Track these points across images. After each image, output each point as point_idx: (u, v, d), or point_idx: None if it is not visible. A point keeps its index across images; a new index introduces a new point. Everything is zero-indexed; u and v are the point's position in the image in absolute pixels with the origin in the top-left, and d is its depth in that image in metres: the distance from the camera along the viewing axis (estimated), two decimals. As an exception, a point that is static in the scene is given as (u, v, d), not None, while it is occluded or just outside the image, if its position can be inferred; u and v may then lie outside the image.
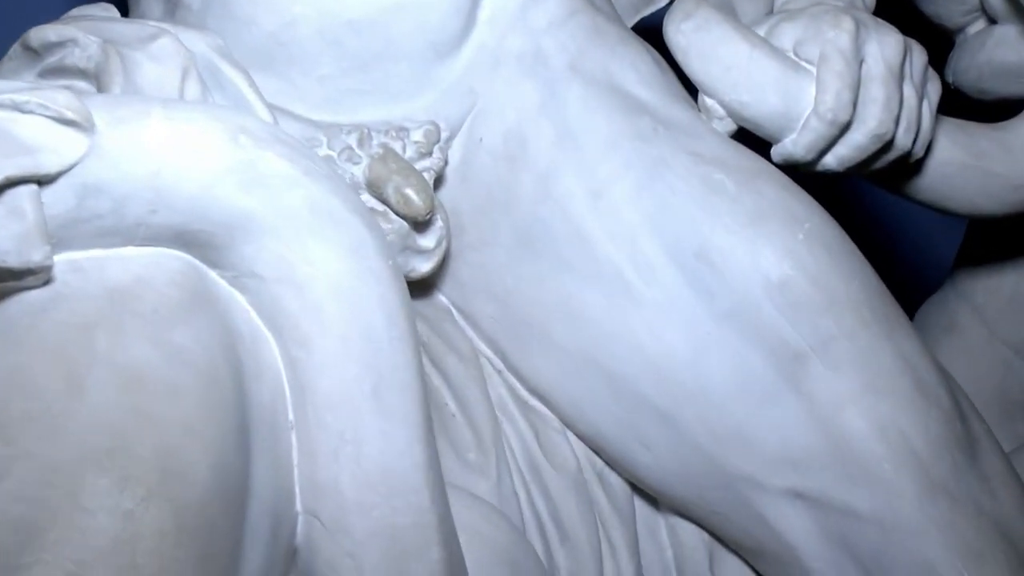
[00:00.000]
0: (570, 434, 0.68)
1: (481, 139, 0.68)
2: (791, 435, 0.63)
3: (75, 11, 0.63)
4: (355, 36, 0.65)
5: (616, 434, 0.66)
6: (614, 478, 0.68)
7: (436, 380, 0.67)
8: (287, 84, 0.65)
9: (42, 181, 0.46)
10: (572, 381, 0.66)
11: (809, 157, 0.68)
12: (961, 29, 0.84)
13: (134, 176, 0.48)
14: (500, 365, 0.69)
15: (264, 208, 0.50)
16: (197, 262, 0.51)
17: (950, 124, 0.75)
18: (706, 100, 0.69)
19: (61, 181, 0.47)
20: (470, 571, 0.56)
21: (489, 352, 0.69)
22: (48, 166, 0.46)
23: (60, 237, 0.47)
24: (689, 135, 0.66)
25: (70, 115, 0.47)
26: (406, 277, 0.65)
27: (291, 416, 0.52)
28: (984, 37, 0.81)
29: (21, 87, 0.47)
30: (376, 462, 0.51)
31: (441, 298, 0.70)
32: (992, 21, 0.82)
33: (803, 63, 0.67)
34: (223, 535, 0.44)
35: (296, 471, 0.52)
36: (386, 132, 0.66)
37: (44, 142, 0.46)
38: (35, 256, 0.46)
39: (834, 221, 0.67)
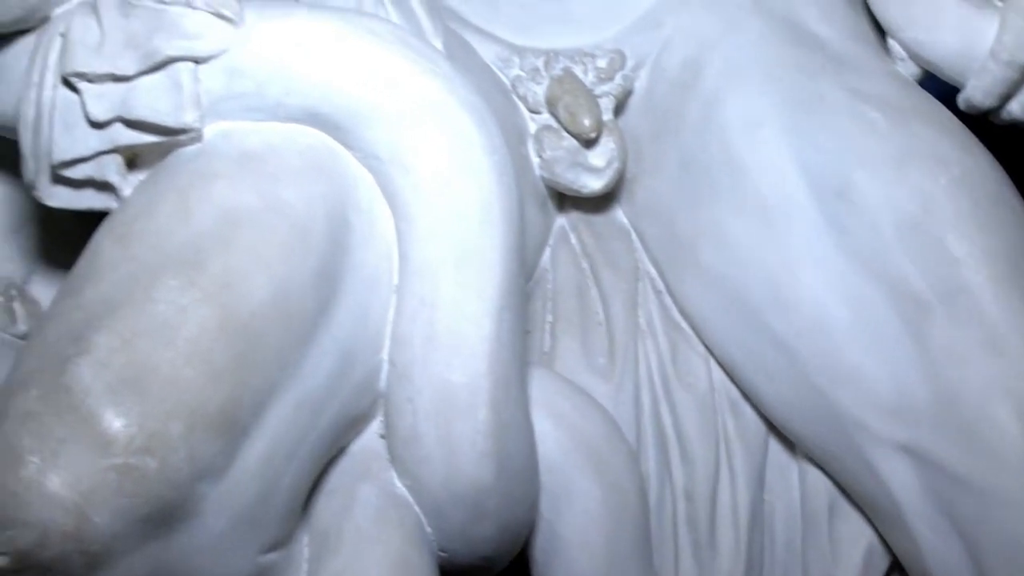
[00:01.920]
0: (712, 361, 0.70)
1: (664, 69, 0.72)
2: (905, 385, 0.62)
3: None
4: None
5: (744, 361, 0.68)
6: (748, 409, 0.70)
7: (593, 291, 0.72)
8: (492, 10, 0.73)
9: (198, 61, 0.58)
10: (712, 305, 0.69)
11: (988, 103, 0.65)
12: None
13: (271, 63, 0.59)
14: (660, 286, 0.72)
15: (380, 99, 0.59)
16: (332, 141, 0.61)
17: None
18: (891, 40, 0.68)
19: (214, 63, 0.58)
20: (546, 449, 0.62)
21: (653, 272, 0.73)
22: (202, 50, 0.58)
23: (215, 109, 0.59)
24: (857, 72, 0.66)
25: (225, 12, 0.59)
26: (578, 192, 0.71)
27: (395, 280, 0.60)
28: None
29: (194, -10, 0.60)
30: (445, 325, 0.58)
31: (621, 217, 0.75)
32: None
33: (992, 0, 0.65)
34: (268, 345, 0.53)
35: (389, 326, 0.60)
36: (572, 57, 0.72)
37: (202, 31, 0.58)
38: (187, 118, 0.58)
39: (997, 170, 0.64)
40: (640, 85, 0.73)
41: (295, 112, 0.60)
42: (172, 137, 0.59)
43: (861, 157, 0.64)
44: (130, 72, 0.58)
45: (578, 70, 0.72)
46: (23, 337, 0.68)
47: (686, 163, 0.70)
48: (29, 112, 0.59)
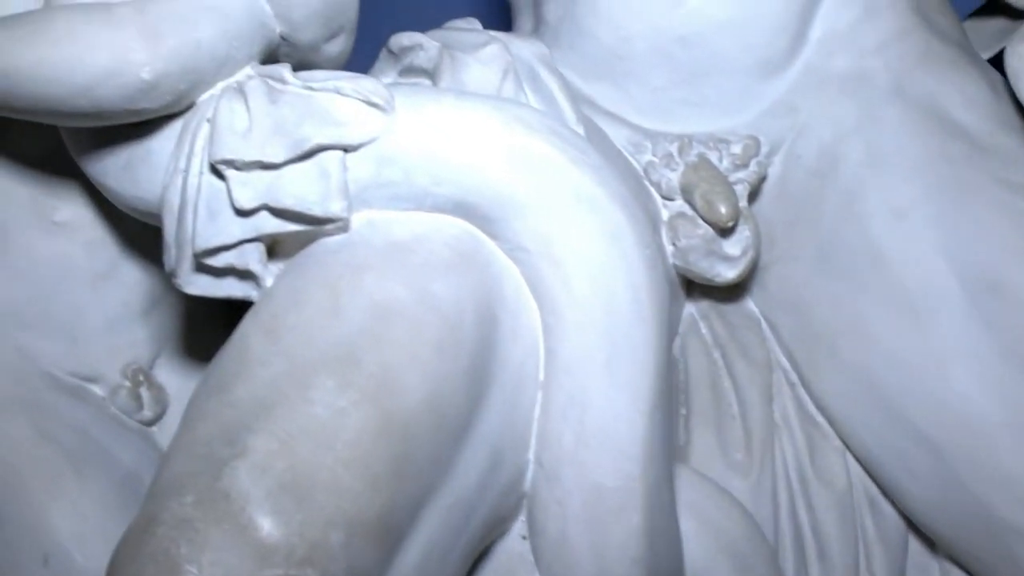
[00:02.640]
0: (849, 456, 0.68)
1: (800, 156, 0.70)
2: None
3: (447, 24, 0.74)
4: (685, 51, 0.70)
5: (885, 458, 0.66)
6: (887, 508, 0.67)
7: (726, 382, 0.70)
8: (622, 93, 0.72)
9: (347, 149, 0.57)
10: (851, 399, 0.67)
11: None
12: None
13: (421, 152, 0.57)
14: (794, 378, 0.70)
15: (530, 189, 0.58)
16: (478, 231, 0.59)
17: None
18: (1038, 128, 0.66)
19: (363, 151, 0.57)
20: (691, 552, 0.59)
21: (786, 364, 0.71)
22: (353, 138, 0.57)
23: (361, 198, 0.58)
24: (1004, 161, 0.64)
25: (376, 99, 0.57)
26: (711, 281, 0.70)
27: (541, 375, 0.58)
28: None
29: (344, 76, 0.59)
30: (597, 425, 0.56)
31: (751, 306, 0.73)
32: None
33: None
34: (423, 448, 0.51)
35: (535, 424, 0.58)
36: (706, 143, 0.70)
37: (352, 119, 0.57)
38: (334, 208, 0.57)
39: None
40: (773, 171, 0.71)
41: (442, 202, 0.58)
42: (318, 226, 0.58)
43: (1014, 250, 0.62)
44: (278, 160, 0.56)
45: (713, 156, 0.70)
46: (149, 423, 0.67)
47: (824, 253, 0.68)
48: (174, 199, 0.58)
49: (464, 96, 0.59)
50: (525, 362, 0.58)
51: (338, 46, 0.66)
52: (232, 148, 0.57)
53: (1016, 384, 0.61)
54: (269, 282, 0.58)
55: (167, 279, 0.70)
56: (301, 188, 0.57)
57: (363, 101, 0.57)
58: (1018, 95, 0.67)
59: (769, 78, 0.70)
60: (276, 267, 0.59)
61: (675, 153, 0.70)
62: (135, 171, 0.60)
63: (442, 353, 0.54)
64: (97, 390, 0.67)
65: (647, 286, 0.58)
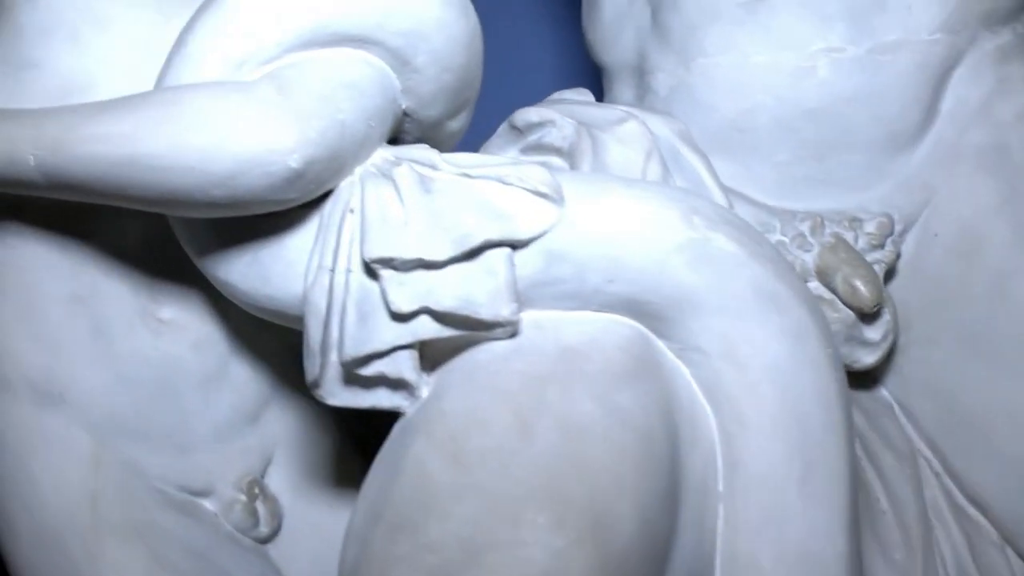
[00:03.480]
0: (1009, 550, 0.64)
1: (936, 234, 0.67)
2: None
3: (555, 95, 0.69)
4: (812, 125, 0.66)
5: (1056, 557, 0.62)
6: (1056, 604, 0.64)
7: (869, 474, 0.66)
8: (743, 168, 0.68)
9: (515, 245, 0.52)
10: (1009, 489, 0.63)
11: None
12: None
13: (594, 247, 0.52)
14: (938, 467, 0.67)
15: (710, 287, 0.53)
16: (646, 331, 0.54)
17: None
18: None
19: (532, 246, 0.52)
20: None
21: (928, 452, 0.67)
22: (522, 232, 0.51)
23: (526, 296, 0.52)
24: None
25: (544, 189, 0.52)
26: (849, 368, 0.65)
27: (720, 487, 0.53)
28: None
29: (503, 162, 0.53)
30: (797, 544, 0.51)
31: (884, 392, 0.69)
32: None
33: None
34: (640, 583, 0.46)
35: (719, 540, 0.53)
36: (839, 222, 0.67)
37: (520, 211, 0.51)
38: (504, 311, 0.51)
39: None
40: (906, 249, 0.67)
41: (612, 300, 0.53)
42: (484, 331, 0.52)
43: None
44: (442, 257, 0.50)
45: (849, 236, 0.66)
46: (264, 541, 0.60)
47: (972, 336, 0.65)
48: (320, 301, 0.51)
49: (633, 184, 0.54)
50: (706, 473, 0.53)
51: (460, 122, 0.61)
52: (389, 245, 0.51)
53: None
54: (425, 392, 0.53)
55: (277, 377, 0.63)
56: (467, 289, 0.51)
57: (531, 191, 0.52)
58: None
59: (899, 153, 0.67)
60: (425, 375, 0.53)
61: (807, 233, 0.66)
62: (265, 267, 0.54)
63: (644, 475, 0.49)
64: (209, 505, 0.59)
65: (835, 389, 0.54)
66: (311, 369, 0.52)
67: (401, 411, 0.53)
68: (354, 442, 0.64)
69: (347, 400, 0.53)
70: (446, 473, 0.47)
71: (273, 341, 0.61)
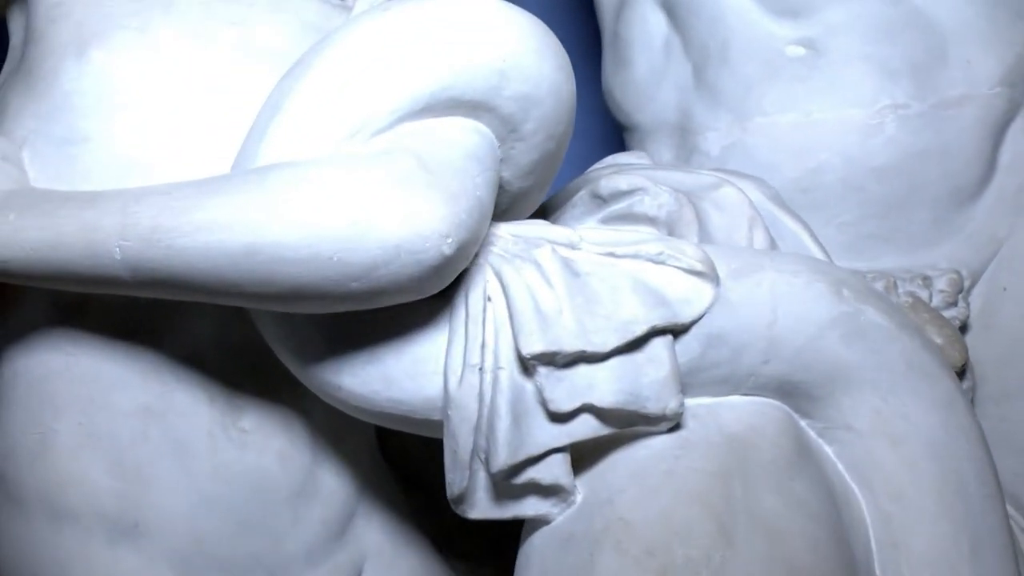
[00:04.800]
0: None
1: (1004, 288, 0.66)
2: None
3: (610, 159, 0.65)
4: (880, 183, 0.65)
5: None
6: None
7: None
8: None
9: (676, 331, 0.47)
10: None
11: None
12: None
13: (752, 326, 0.49)
14: (1023, 523, 0.65)
15: (864, 361, 0.50)
16: (791, 412, 0.51)
17: None
18: None
19: (692, 330, 0.48)
20: None
21: (1011, 509, 0.66)
22: (684, 316, 0.47)
23: (683, 384, 0.48)
24: None
25: (699, 267, 0.48)
26: (930, 428, 0.63)
27: (877, 572, 0.51)
28: None
29: (646, 238, 0.49)
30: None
31: (955, 450, 0.68)
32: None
33: None
34: None
35: (884, 629, 0.50)
36: (910, 280, 0.65)
37: (680, 293, 0.47)
38: (672, 404, 0.47)
39: None
40: (975, 303, 0.66)
41: (766, 382, 0.50)
42: (646, 426, 0.47)
43: None
44: (606, 348, 0.46)
45: (923, 295, 0.65)
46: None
47: (1053, 393, 0.64)
48: (471, 403, 0.46)
49: (778, 257, 0.51)
50: (866, 557, 0.50)
51: (542, 193, 0.56)
52: (548, 338, 0.46)
53: None
54: (578, 498, 0.47)
55: (361, 484, 0.56)
56: (631, 382, 0.46)
57: (686, 270, 0.48)
58: None
59: (963, 207, 0.66)
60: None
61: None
62: (388, 367, 0.47)
63: (836, 568, 0.45)
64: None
65: (986, 457, 0.52)
66: (457, 482, 0.47)
67: (548, 519, 0.48)
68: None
69: (491, 513, 0.47)
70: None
71: (359, 445, 0.55)
